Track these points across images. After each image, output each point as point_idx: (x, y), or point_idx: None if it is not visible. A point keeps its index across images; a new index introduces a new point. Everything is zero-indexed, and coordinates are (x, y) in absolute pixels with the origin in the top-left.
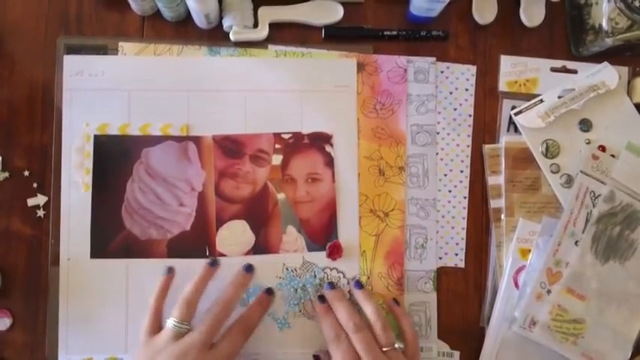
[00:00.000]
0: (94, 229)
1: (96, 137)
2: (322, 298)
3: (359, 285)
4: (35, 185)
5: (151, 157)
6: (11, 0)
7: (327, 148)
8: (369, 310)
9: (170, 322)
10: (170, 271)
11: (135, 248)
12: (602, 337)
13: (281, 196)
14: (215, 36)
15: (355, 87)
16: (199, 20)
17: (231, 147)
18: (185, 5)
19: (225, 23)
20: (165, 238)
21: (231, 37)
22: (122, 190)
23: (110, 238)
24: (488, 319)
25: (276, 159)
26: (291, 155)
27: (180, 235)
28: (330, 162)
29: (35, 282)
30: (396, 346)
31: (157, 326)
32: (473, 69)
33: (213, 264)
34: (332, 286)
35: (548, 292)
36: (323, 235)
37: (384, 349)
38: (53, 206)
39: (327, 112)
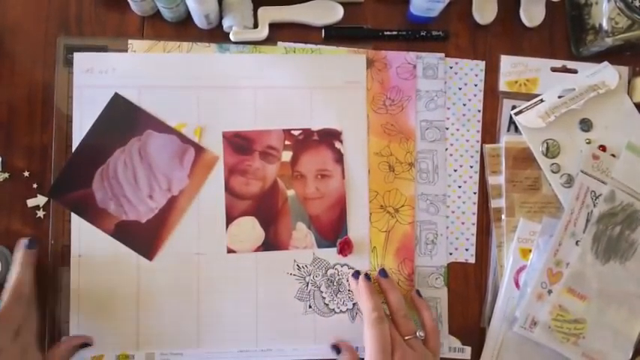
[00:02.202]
0: (67, 169)
1: (116, 95)
2: (360, 275)
3: (384, 273)
4: (35, 186)
5: (150, 141)
6: (11, 0)
7: (337, 145)
8: (393, 298)
9: None
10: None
11: (88, 210)
12: (602, 337)
13: (291, 192)
14: (215, 36)
15: (365, 83)
16: (199, 21)
17: (241, 143)
18: (185, 6)
19: (225, 24)
20: (118, 217)
21: (231, 37)
22: (109, 154)
23: (73, 188)
24: (489, 319)
25: (286, 155)
26: (301, 152)
27: (131, 223)
28: (339, 158)
29: (35, 282)
30: (418, 334)
31: None
32: (482, 64)
33: (31, 246)
34: (367, 277)
35: (549, 292)
36: (333, 231)
37: (406, 337)
38: (53, 207)
39: (337, 109)
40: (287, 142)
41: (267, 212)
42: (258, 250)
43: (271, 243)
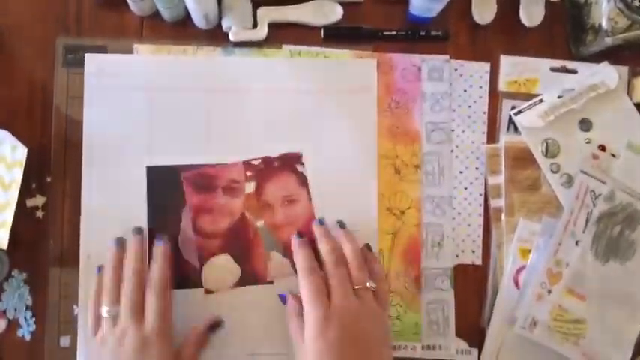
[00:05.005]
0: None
1: (149, 169)
2: (300, 235)
3: (342, 224)
4: (34, 186)
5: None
6: (11, 0)
7: (299, 168)
8: (347, 248)
9: (104, 312)
10: (100, 269)
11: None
12: (602, 337)
13: (260, 223)
14: (214, 36)
15: (375, 87)
16: (198, 20)
17: (202, 182)
18: (184, 5)
19: (225, 23)
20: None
21: (231, 37)
22: (178, 221)
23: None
24: (489, 319)
25: (249, 187)
26: (264, 181)
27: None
28: (303, 181)
29: (35, 283)
30: (368, 284)
31: (98, 324)
32: (487, 66)
33: (118, 245)
34: (321, 222)
35: (549, 292)
36: None
37: (356, 286)
38: (52, 207)
39: (346, 113)
40: (248, 173)
41: (240, 247)
42: (236, 286)
43: (249, 277)
